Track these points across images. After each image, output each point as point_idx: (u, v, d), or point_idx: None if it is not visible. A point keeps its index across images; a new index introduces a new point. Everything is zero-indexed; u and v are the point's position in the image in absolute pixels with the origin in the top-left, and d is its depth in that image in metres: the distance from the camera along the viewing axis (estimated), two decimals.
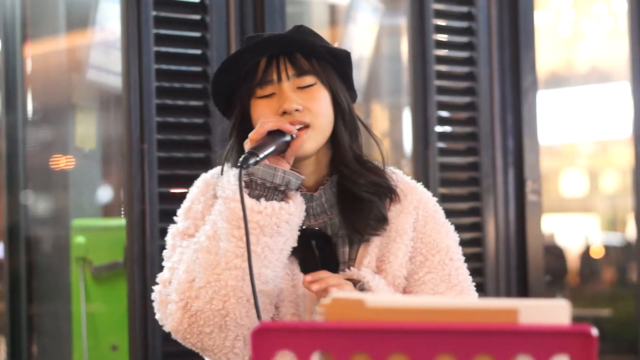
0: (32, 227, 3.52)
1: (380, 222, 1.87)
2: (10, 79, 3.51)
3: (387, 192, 1.88)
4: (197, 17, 2.85)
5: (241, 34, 2.92)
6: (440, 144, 3.31)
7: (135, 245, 2.70)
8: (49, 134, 3.68)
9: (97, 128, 3.71)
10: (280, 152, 1.79)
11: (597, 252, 6.34)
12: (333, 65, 1.88)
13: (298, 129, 1.80)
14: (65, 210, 3.58)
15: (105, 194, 3.74)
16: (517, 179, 3.46)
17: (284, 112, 1.81)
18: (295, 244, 1.81)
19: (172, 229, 1.92)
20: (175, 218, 1.93)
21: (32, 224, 3.52)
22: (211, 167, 2.81)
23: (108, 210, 3.69)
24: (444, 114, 3.33)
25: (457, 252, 1.92)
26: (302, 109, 1.81)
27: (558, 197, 7.33)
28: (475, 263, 3.33)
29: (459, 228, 3.41)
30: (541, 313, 1.10)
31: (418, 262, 1.88)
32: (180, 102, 2.82)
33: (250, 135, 1.78)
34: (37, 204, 3.60)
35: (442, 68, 3.32)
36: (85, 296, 3.26)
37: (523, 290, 3.43)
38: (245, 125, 1.88)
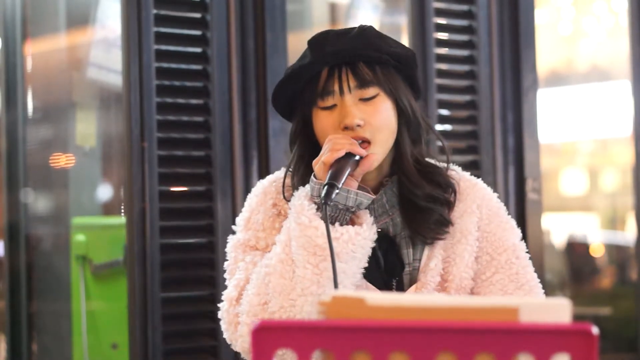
0: (32, 225, 3.52)
1: (442, 226, 1.85)
2: (10, 77, 3.51)
3: (446, 201, 1.86)
4: (198, 15, 2.85)
5: (241, 32, 2.92)
6: (441, 143, 3.31)
7: (136, 243, 2.70)
8: (49, 132, 3.68)
9: (97, 126, 3.71)
10: (353, 170, 1.77)
11: (597, 251, 6.35)
12: (398, 69, 1.86)
13: (360, 143, 1.78)
14: (66, 209, 3.58)
15: (105, 192, 3.74)
16: (518, 177, 3.46)
17: (345, 127, 1.79)
18: (367, 264, 1.78)
19: (232, 240, 1.91)
20: (234, 228, 1.92)
21: (32, 222, 3.52)
22: (210, 166, 2.82)
23: (108, 209, 3.69)
24: (444, 112, 3.33)
25: (523, 250, 1.90)
26: (363, 124, 1.79)
27: (558, 195, 7.33)
28: None
29: None
30: (542, 312, 1.10)
31: (485, 261, 1.86)
32: (181, 100, 2.82)
33: (324, 159, 1.75)
34: (37, 202, 3.60)
35: (443, 66, 3.32)
36: (85, 294, 3.26)
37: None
38: (307, 132, 1.86)
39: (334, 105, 1.81)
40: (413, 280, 1.86)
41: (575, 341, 1.04)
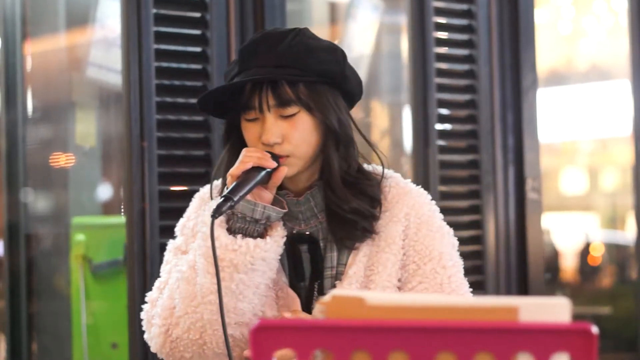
0: (32, 225, 3.52)
1: (365, 234, 1.85)
2: (10, 76, 3.50)
3: (371, 214, 1.86)
4: (197, 14, 2.85)
5: (241, 32, 2.92)
6: (441, 142, 3.31)
7: (135, 243, 2.70)
8: (48, 132, 3.68)
9: (97, 126, 3.71)
10: (264, 182, 1.79)
11: (597, 250, 6.34)
12: (327, 83, 1.85)
13: (280, 157, 1.80)
14: (65, 208, 3.58)
15: (105, 191, 3.74)
16: (517, 176, 3.46)
17: (263, 143, 1.81)
18: (274, 275, 1.82)
19: (170, 244, 1.95)
20: (175, 232, 1.96)
21: (32, 221, 3.52)
22: (210, 165, 2.82)
23: (108, 208, 3.69)
24: (444, 111, 3.33)
25: (452, 259, 1.88)
26: (281, 141, 1.80)
27: (558, 195, 7.33)
28: (475, 261, 3.33)
29: (458, 226, 3.42)
30: (541, 311, 1.10)
31: (411, 270, 1.85)
32: (181, 100, 2.82)
33: (231, 171, 1.79)
34: (37, 201, 3.60)
35: (442, 66, 3.32)
36: (85, 294, 3.26)
37: (523, 288, 3.43)
38: (236, 136, 1.88)
39: (257, 118, 1.83)
40: (333, 285, 1.87)
41: (575, 340, 1.04)
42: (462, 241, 3.40)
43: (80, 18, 3.63)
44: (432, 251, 1.86)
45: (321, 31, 4.27)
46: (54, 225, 3.59)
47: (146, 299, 1.90)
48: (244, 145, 1.86)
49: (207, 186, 1.95)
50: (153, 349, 1.86)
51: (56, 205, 3.63)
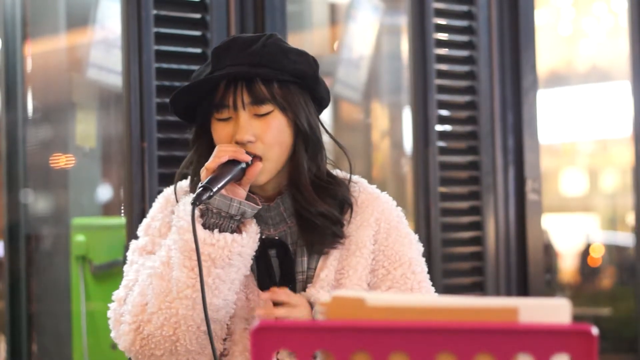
0: (32, 225, 3.52)
1: (335, 238, 1.86)
2: (10, 77, 3.50)
3: (340, 218, 1.86)
4: (198, 15, 2.85)
5: (241, 32, 2.91)
6: (441, 143, 3.31)
7: None
8: (49, 133, 3.68)
9: (97, 127, 3.71)
10: (237, 179, 1.79)
11: (597, 251, 6.34)
12: (299, 85, 1.85)
13: (253, 157, 1.80)
14: (65, 209, 3.58)
15: (105, 192, 3.74)
16: (517, 177, 3.46)
17: (237, 142, 1.80)
18: (248, 272, 1.82)
19: (132, 244, 1.94)
20: (138, 232, 1.95)
21: (32, 222, 3.52)
22: None
23: (108, 209, 3.69)
24: (444, 112, 3.34)
25: (420, 264, 1.90)
26: (254, 140, 1.80)
27: (558, 196, 7.33)
28: (475, 262, 3.33)
29: (458, 227, 3.42)
30: (541, 312, 1.10)
31: (380, 275, 1.87)
32: None
33: (206, 164, 1.78)
34: (37, 202, 3.60)
35: (443, 67, 3.32)
36: (85, 295, 3.26)
37: (523, 289, 3.43)
38: (206, 138, 1.88)
39: (230, 118, 1.82)
40: (304, 289, 1.87)
41: (575, 342, 1.04)
42: (462, 242, 3.42)
43: (80, 19, 3.63)
44: (402, 257, 1.87)
45: (321, 32, 4.27)
46: (54, 226, 3.59)
47: (113, 298, 1.89)
48: (212, 148, 1.85)
49: (172, 187, 1.95)
50: (121, 347, 1.85)
51: (56, 206, 3.63)
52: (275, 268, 1.88)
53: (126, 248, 2.78)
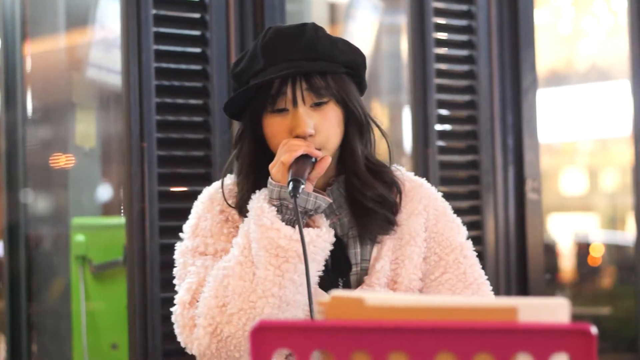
0: (32, 225, 3.52)
1: (388, 224, 1.86)
2: (10, 77, 3.50)
3: (392, 202, 1.87)
4: (197, 15, 2.85)
5: (241, 32, 2.92)
6: (440, 142, 3.31)
7: (135, 243, 2.70)
8: (48, 133, 3.68)
9: (96, 126, 3.71)
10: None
11: (597, 251, 6.35)
12: (349, 74, 1.87)
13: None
14: (65, 209, 3.58)
15: (105, 192, 3.74)
16: (517, 177, 3.46)
17: (297, 136, 1.80)
18: (323, 267, 1.80)
19: (180, 247, 1.91)
20: (181, 235, 1.93)
21: (32, 222, 3.52)
22: (210, 166, 2.82)
23: (108, 209, 3.69)
24: (444, 112, 3.33)
25: (470, 248, 1.91)
26: (314, 132, 1.80)
27: (558, 195, 7.33)
28: None
29: None
30: (541, 311, 1.10)
31: (433, 261, 1.87)
32: (180, 101, 2.82)
33: (282, 159, 1.77)
34: (37, 202, 3.60)
35: (442, 66, 3.32)
36: (85, 294, 3.26)
37: (523, 288, 3.43)
38: (255, 136, 1.87)
39: (286, 110, 1.82)
40: (360, 281, 1.87)
41: (574, 341, 1.04)
42: None
43: (80, 19, 3.63)
44: (452, 242, 1.89)
45: None
46: (53, 226, 3.59)
47: (175, 302, 1.85)
48: (260, 144, 1.85)
49: (214, 185, 1.95)
50: (195, 351, 1.81)
51: (56, 206, 3.64)
52: (328, 261, 1.86)
53: (126, 248, 2.79)
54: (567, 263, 6.28)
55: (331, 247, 1.79)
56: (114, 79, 3.32)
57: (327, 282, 1.85)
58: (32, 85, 3.57)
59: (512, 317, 1.08)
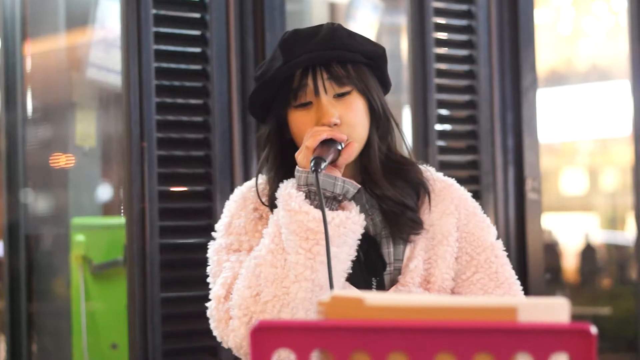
0: (32, 225, 3.52)
1: (414, 223, 1.86)
2: (10, 77, 3.50)
3: (406, 205, 1.87)
4: (197, 15, 2.85)
5: (241, 32, 2.92)
6: (440, 142, 3.31)
7: (135, 243, 2.70)
8: (48, 132, 3.68)
9: (96, 126, 3.71)
10: (333, 161, 1.79)
11: (596, 251, 6.34)
12: (369, 66, 1.88)
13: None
14: (65, 209, 3.58)
15: (105, 192, 3.74)
16: (517, 177, 3.46)
17: (323, 125, 1.81)
18: (355, 253, 1.79)
19: (213, 245, 1.92)
20: (214, 234, 1.93)
21: (32, 222, 3.52)
22: (210, 166, 2.82)
23: (108, 209, 3.69)
24: (444, 112, 3.33)
25: (500, 248, 1.91)
26: (340, 122, 1.81)
27: (558, 195, 7.33)
28: None
29: None
30: (540, 311, 1.10)
31: (464, 261, 1.88)
32: (180, 101, 2.82)
33: (306, 144, 1.77)
34: (37, 202, 3.60)
35: (442, 66, 3.32)
36: (85, 294, 3.26)
37: (523, 288, 3.42)
38: (281, 134, 1.88)
39: (310, 104, 1.83)
40: (394, 281, 1.87)
41: (574, 341, 1.04)
42: None
43: (80, 19, 3.63)
44: (483, 242, 1.89)
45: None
46: (53, 226, 3.59)
47: (211, 297, 1.84)
48: (286, 144, 1.87)
49: (246, 184, 1.96)
50: (231, 344, 1.80)
51: (56, 206, 3.64)
52: (361, 259, 1.86)
53: (126, 248, 2.79)
54: (567, 263, 6.28)
55: (362, 231, 1.78)
56: (114, 79, 3.32)
57: (361, 281, 1.85)
58: (32, 85, 3.57)
59: (512, 317, 1.08)
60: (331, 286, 1.70)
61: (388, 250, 1.88)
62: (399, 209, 1.85)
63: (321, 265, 1.72)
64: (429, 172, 1.94)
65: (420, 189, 1.90)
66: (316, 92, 1.82)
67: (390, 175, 1.88)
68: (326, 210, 1.73)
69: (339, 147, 1.78)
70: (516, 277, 1.92)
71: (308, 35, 1.85)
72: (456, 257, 1.88)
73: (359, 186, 1.81)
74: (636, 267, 4.30)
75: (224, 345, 1.82)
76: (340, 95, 1.83)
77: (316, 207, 1.75)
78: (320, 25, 1.88)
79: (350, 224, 1.74)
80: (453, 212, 1.89)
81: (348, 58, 1.83)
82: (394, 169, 1.89)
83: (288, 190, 1.77)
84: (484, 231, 1.90)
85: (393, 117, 1.93)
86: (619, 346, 4.89)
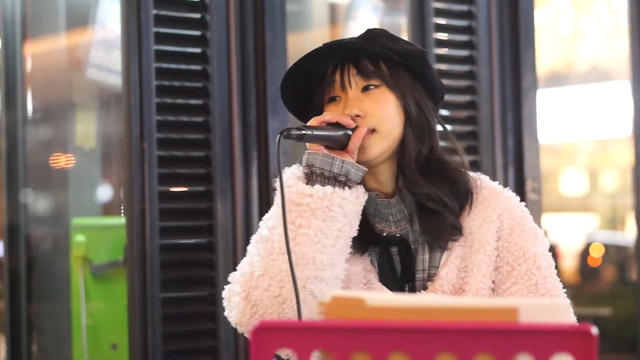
0: (32, 225, 3.52)
1: (454, 230, 1.84)
2: (10, 77, 3.50)
3: (455, 205, 1.85)
4: (197, 15, 2.85)
5: (241, 32, 2.92)
6: (441, 143, 3.30)
7: (135, 244, 2.70)
8: (48, 133, 3.68)
9: (97, 127, 3.71)
10: (342, 146, 1.79)
11: (597, 251, 6.35)
12: (407, 67, 1.87)
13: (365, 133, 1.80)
14: (65, 209, 3.58)
15: (105, 192, 3.74)
16: (517, 177, 3.46)
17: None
18: (355, 234, 1.79)
19: (254, 237, 1.91)
20: (260, 224, 1.93)
21: (32, 222, 3.52)
22: (210, 166, 2.82)
23: (108, 209, 3.69)
24: (444, 112, 3.33)
25: (546, 259, 1.86)
26: (363, 114, 1.81)
27: (558, 196, 7.33)
28: None
29: None
30: (541, 312, 1.10)
31: (505, 272, 1.83)
32: (180, 101, 2.82)
33: (309, 122, 1.79)
34: (37, 202, 3.60)
35: (442, 67, 3.32)
36: (85, 295, 3.26)
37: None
38: None
39: (339, 98, 1.85)
40: (424, 287, 1.85)
41: (575, 342, 1.04)
42: None
43: (80, 19, 3.63)
44: (526, 252, 1.84)
45: (321, 32, 4.27)
46: (54, 226, 3.59)
47: (229, 279, 1.85)
48: None
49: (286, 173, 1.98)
50: (233, 321, 1.81)
51: (56, 206, 3.64)
52: (397, 265, 1.86)
53: (126, 248, 2.79)
54: (567, 264, 6.28)
55: (357, 211, 1.77)
56: (114, 79, 3.32)
57: (395, 286, 1.85)
58: (32, 86, 3.57)
59: (513, 318, 1.08)
60: (289, 253, 1.68)
61: (423, 257, 1.86)
62: (438, 208, 1.83)
63: (303, 238, 1.72)
64: (480, 180, 1.90)
65: (462, 192, 1.87)
66: (342, 87, 1.84)
67: (430, 176, 1.86)
68: (316, 186, 1.74)
69: (349, 132, 1.78)
70: (563, 291, 1.88)
71: (351, 38, 1.88)
72: (497, 267, 1.84)
73: (364, 169, 1.80)
74: (636, 267, 4.30)
75: (232, 323, 1.83)
76: (367, 89, 1.83)
77: (309, 184, 1.77)
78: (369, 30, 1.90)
79: (335, 198, 1.74)
80: (494, 220, 1.84)
81: (378, 54, 1.84)
82: (435, 169, 1.88)
83: (290, 170, 1.80)
84: (529, 241, 1.84)
85: (442, 122, 1.94)
86: (619, 347, 4.89)
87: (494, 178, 3.38)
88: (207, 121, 2.83)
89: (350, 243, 1.79)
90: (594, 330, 1.04)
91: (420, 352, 1.06)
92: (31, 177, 3.54)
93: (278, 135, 1.71)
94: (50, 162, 3.61)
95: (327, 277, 1.74)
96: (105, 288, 3.26)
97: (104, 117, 3.73)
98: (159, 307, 2.71)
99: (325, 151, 1.77)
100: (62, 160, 3.62)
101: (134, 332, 2.70)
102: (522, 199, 3.46)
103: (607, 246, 6.42)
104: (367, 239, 1.85)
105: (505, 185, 3.50)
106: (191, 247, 2.81)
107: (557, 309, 1.12)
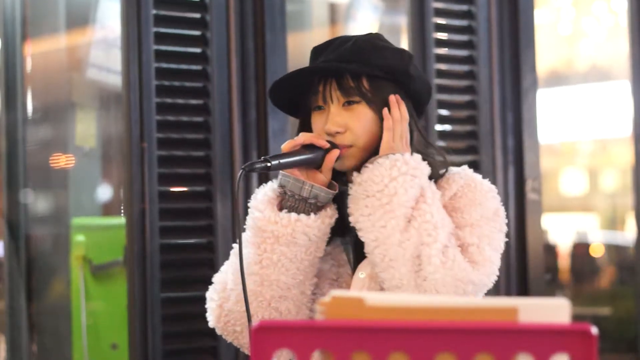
0: (32, 225, 3.52)
1: None
2: (10, 77, 3.50)
3: None
4: (197, 15, 2.85)
5: (241, 32, 2.92)
6: (440, 143, 3.31)
7: (135, 244, 2.70)
8: (48, 133, 3.68)
9: (97, 126, 3.71)
10: (318, 166, 1.86)
11: (596, 251, 6.34)
12: (392, 81, 1.90)
13: (333, 146, 1.86)
14: (65, 209, 3.58)
15: (105, 192, 3.74)
16: (517, 177, 3.46)
17: (327, 133, 1.87)
18: (322, 254, 1.87)
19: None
20: None
21: (32, 222, 3.52)
22: (210, 166, 2.82)
23: (108, 209, 3.69)
24: (444, 112, 3.33)
25: (489, 227, 1.88)
26: (343, 130, 1.86)
27: (558, 195, 7.33)
28: None
29: None
30: (541, 312, 1.10)
31: None
32: (180, 101, 2.82)
33: (282, 146, 1.87)
34: (37, 202, 3.60)
35: (442, 67, 3.32)
36: (85, 295, 3.26)
37: (523, 289, 3.43)
38: (307, 131, 1.93)
39: (324, 108, 1.90)
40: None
41: (574, 341, 1.04)
42: None
43: (80, 19, 3.63)
44: (467, 219, 1.86)
45: (321, 32, 4.27)
46: (54, 226, 3.59)
47: (213, 280, 1.98)
48: None
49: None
50: (210, 324, 1.94)
51: (56, 206, 3.63)
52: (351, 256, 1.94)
53: (126, 248, 2.79)
54: (567, 263, 6.28)
55: (322, 236, 1.85)
56: (114, 79, 3.32)
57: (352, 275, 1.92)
58: (32, 85, 3.57)
59: (513, 318, 1.08)
60: (242, 273, 1.78)
61: None
62: None
63: (269, 262, 1.83)
64: (459, 174, 1.92)
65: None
66: (324, 100, 1.88)
67: None
68: (283, 212, 1.83)
69: (322, 153, 1.85)
70: (492, 262, 1.93)
71: (339, 44, 1.91)
72: None
73: (333, 192, 1.86)
74: (636, 267, 4.30)
75: (210, 324, 1.95)
76: (349, 103, 1.88)
77: (285, 208, 1.85)
78: (354, 36, 1.92)
79: (299, 226, 1.82)
80: (444, 187, 1.89)
81: (360, 72, 1.87)
82: None
83: (264, 189, 1.89)
84: (473, 208, 1.87)
85: (421, 129, 1.95)
86: (619, 347, 4.89)
87: (494, 178, 3.38)
88: (207, 121, 2.83)
89: (319, 260, 1.88)
90: (594, 330, 1.04)
91: (420, 352, 1.06)
92: (31, 177, 3.54)
93: (240, 171, 1.79)
94: (50, 162, 3.61)
95: (292, 296, 1.86)
96: (105, 288, 3.26)
97: (104, 117, 3.73)
98: (159, 307, 2.71)
99: (298, 173, 1.85)
100: (62, 160, 3.62)
101: (134, 332, 2.70)
102: (522, 199, 3.49)
103: (607, 246, 6.42)
104: (340, 231, 1.92)
105: (505, 185, 3.51)
106: (191, 247, 2.81)
107: (557, 309, 1.12)
